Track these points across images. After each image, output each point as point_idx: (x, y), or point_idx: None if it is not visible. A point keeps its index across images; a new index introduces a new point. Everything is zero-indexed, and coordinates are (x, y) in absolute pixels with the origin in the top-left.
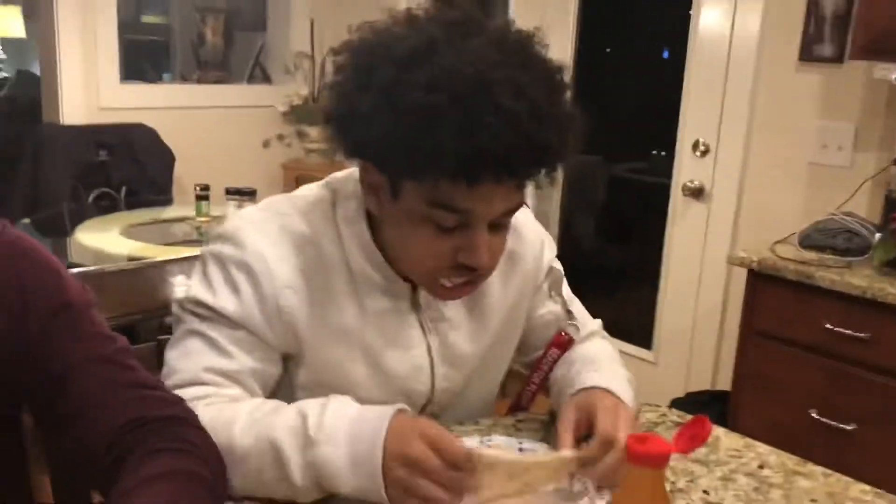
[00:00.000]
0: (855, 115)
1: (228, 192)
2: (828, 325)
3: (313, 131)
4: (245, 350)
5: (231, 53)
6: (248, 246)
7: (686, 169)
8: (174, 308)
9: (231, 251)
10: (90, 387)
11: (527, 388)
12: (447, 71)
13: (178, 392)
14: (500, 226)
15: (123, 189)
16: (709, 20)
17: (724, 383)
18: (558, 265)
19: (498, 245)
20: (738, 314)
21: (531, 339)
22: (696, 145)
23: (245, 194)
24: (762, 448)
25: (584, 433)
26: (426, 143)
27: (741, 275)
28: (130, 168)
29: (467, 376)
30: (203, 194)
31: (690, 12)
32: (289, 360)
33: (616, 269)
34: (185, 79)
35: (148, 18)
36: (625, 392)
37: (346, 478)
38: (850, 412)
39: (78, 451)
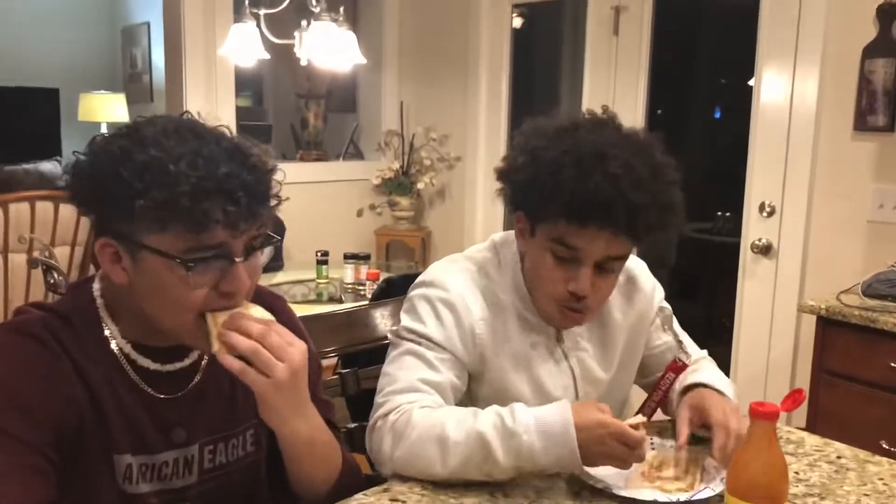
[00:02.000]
0: None
1: (347, 256)
2: (892, 364)
3: (403, 201)
4: (447, 367)
5: (325, 133)
6: (450, 289)
7: (754, 228)
8: (390, 336)
9: (437, 293)
10: None
11: (647, 404)
12: (578, 143)
13: (396, 396)
14: (605, 269)
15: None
16: (770, 91)
17: (799, 421)
18: (667, 305)
19: (603, 286)
20: (807, 359)
21: (649, 365)
22: (762, 206)
23: (361, 259)
24: (839, 445)
25: (699, 425)
26: (551, 186)
27: (810, 322)
28: None
29: (601, 394)
30: (323, 259)
31: (750, 83)
32: (471, 380)
33: (689, 323)
34: (285, 157)
35: (240, 102)
36: (726, 387)
37: (546, 451)
38: None
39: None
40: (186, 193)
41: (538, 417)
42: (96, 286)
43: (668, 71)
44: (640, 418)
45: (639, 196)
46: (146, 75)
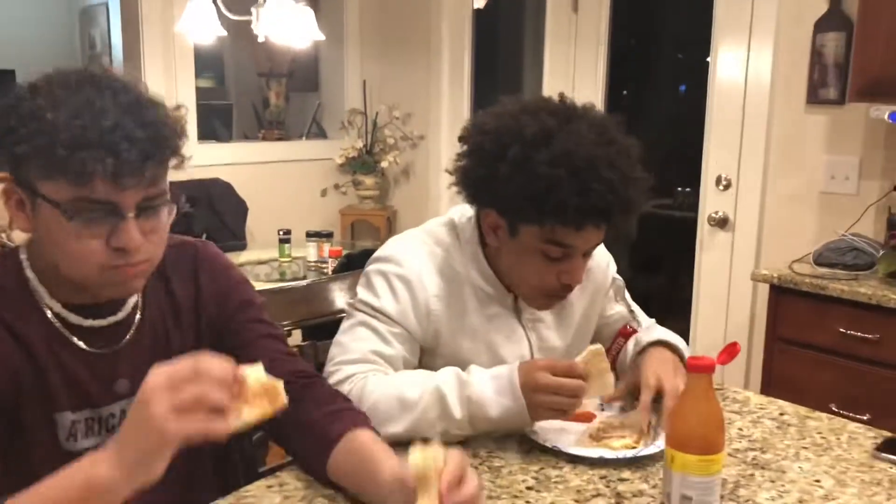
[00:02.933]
0: (858, 149)
1: (309, 234)
2: (841, 330)
3: (367, 180)
4: (399, 342)
5: (287, 112)
6: (405, 264)
7: (711, 202)
8: (346, 308)
9: (393, 268)
10: (263, 354)
11: None
12: (564, 153)
13: (347, 366)
14: (588, 255)
15: (204, 236)
16: (725, 67)
17: (755, 387)
18: (619, 277)
19: (585, 267)
20: (762, 328)
21: (603, 333)
22: (718, 180)
23: (323, 236)
24: (782, 402)
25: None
26: (551, 201)
27: (764, 291)
28: (211, 218)
29: None
30: (286, 238)
31: (708, 59)
32: (424, 353)
33: (649, 296)
34: (247, 137)
35: (201, 83)
36: (674, 340)
37: (493, 402)
38: (864, 404)
39: None
40: (63, 143)
41: (491, 371)
42: (22, 250)
43: (628, 48)
44: (596, 346)
45: (629, 193)
46: (105, 57)
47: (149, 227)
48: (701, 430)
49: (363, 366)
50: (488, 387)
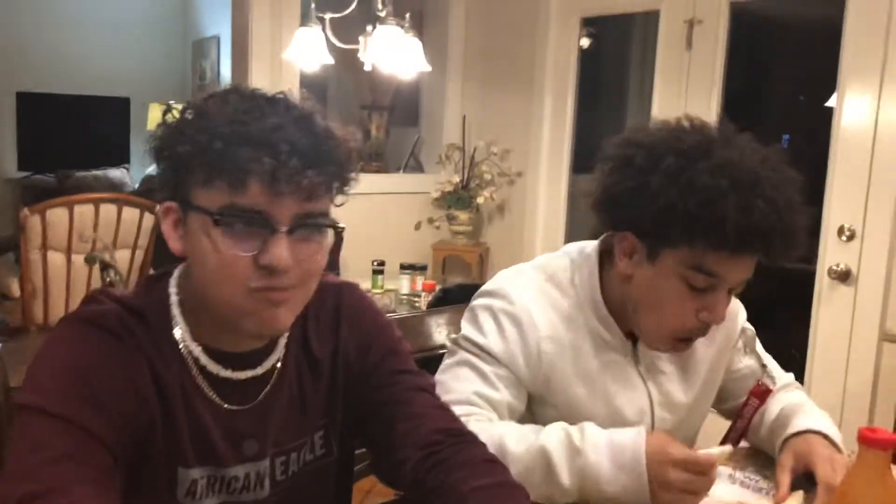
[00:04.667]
0: None
1: (403, 267)
2: None
3: (462, 215)
4: (505, 385)
5: (387, 145)
6: (515, 301)
7: (832, 253)
8: (448, 344)
9: (501, 304)
10: (410, 411)
11: (731, 432)
12: (728, 163)
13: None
14: (733, 291)
15: None
16: (852, 111)
17: None
18: (750, 326)
19: (727, 307)
20: (888, 390)
21: (729, 389)
22: (841, 230)
23: (417, 269)
24: None
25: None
26: (708, 216)
27: (892, 353)
28: None
29: (680, 420)
30: (379, 269)
31: (829, 104)
32: (532, 401)
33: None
34: None
35: None
36: (836, 435)
37: (611, 477)
38: None
39: (391, 456)
40: (222, 137)
41: (610, 438)
42: (172, 281)
43: (743, 88)
44: (728, 448)
45: (794, 219)
46: (214, 86)
47: (303, 253)
48: None
49: (465, 408)
50: (605, 458)
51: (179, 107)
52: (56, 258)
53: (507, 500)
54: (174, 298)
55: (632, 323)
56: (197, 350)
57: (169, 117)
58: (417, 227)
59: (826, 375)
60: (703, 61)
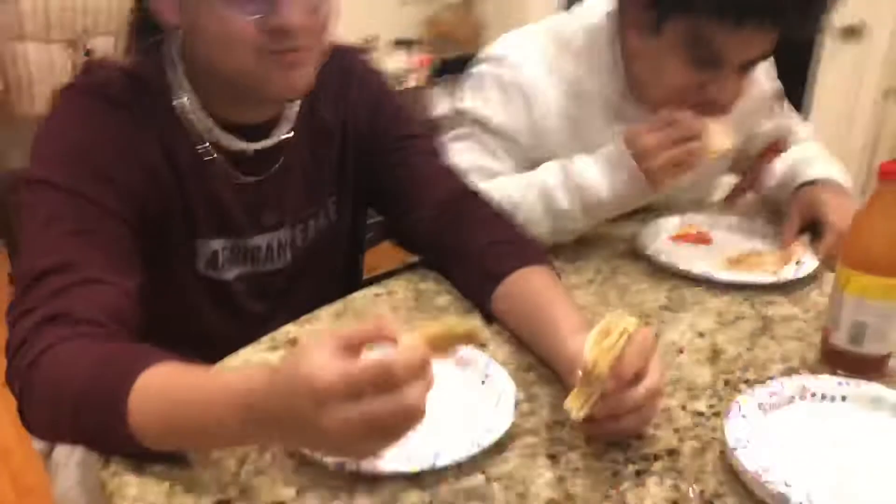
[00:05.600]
0: None
1: (398, 42)
2: None
3: None
4: (510, 156)
5: None
6: (524, 70)
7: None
8: (450, 113)
9: (508, 73)
10: (418, 173)
11: (741, 183)
12: None
13: None
14: (747, 69)
15: None
16: None
17: None
18: (778, 84)
19: (743, 87)
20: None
21: (749, 150)
22: None
23: (413, 43)
24: None
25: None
26: None
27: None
28: None
29: (692, 183)
30: (371, 46)
31: None
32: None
33: None
34: None
35: None
36: (847, 183)
37: (604, 180)
38: None
39: (405, 218)
40: None
41: (594, 155)
42: (174, 49)
43: None
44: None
45: None
46: None
47: (310, 5)
48: (888, 248)
49: (470, 177)
50: (594, 167)
51: None
52: (31, 48)
53: (523, 254)
54: (179, 67)
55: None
56: (208, 121)
57: None
58: (404, 1)
59: (829, 132)
60: None
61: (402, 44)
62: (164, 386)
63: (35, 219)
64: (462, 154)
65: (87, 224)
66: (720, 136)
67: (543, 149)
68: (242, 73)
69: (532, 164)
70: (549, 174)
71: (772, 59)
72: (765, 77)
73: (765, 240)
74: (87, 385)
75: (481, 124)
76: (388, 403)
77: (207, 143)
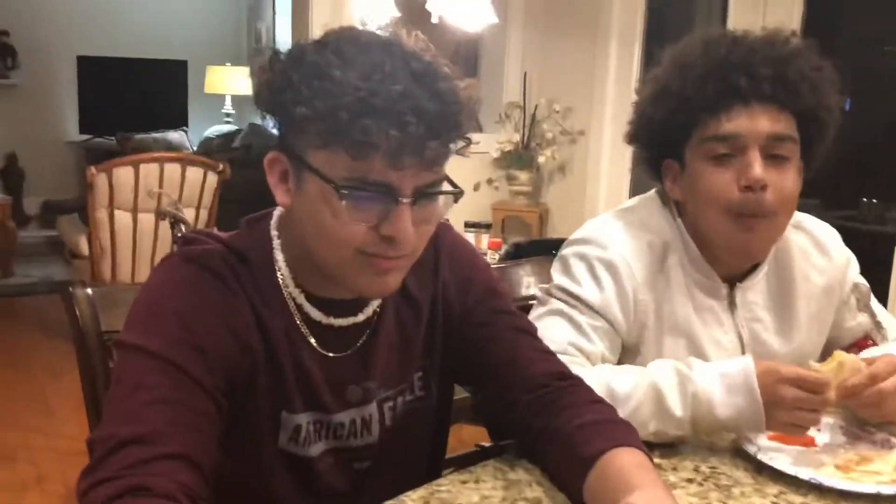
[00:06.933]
0: None
1: (468, 225)
2: None
3: (522, 175)
4: (600, 337)
5: None
6: (610, 248)
7: None
8: (538, 293)
9: (595, 251)
10: (512, 350)
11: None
12: (706, 39)
13: None
14: (777, 157)
15: None
16: None
17: None
18: (864, 282)
19: (781, 180)
20: None
21: (837, 347)
22: None
23: (482, 227)
24: None
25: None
26: (678, 82)
27: None
28: None
29: None
30: None
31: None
32: (623, 352)
33: None
34: None
35: None
36: None
37: (724, 401)
38: None
39: (498, 399)
40: (348, 107)
41: (717, 365)
42: (273, 224)
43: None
44: (843, 356)
45: (777, 51)
46: (269, 49)
47: (421, 218)
48: None
49: (562, 358)
50: (716, 383)
51: (285, 53)
52: (122, 217)
53: (614, 435)
54: (276, 242)
55: (706, 240)
56: (300, 296)
57: (276, 66)
58: (476, 187)
59: None
60: (778, 8)
61: (472, 226)
62: None
63: (122, 384)
64: (553, 331)
65: (175, 395)
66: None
67: (636, 325)
68: (336, 265)
69: (624, 344)
70: (661, 375)
71: (855, 259)
72: (845, 268)
73: (874, 446)
74: None
75: (573, 301)
76: None
77: (298, 317)
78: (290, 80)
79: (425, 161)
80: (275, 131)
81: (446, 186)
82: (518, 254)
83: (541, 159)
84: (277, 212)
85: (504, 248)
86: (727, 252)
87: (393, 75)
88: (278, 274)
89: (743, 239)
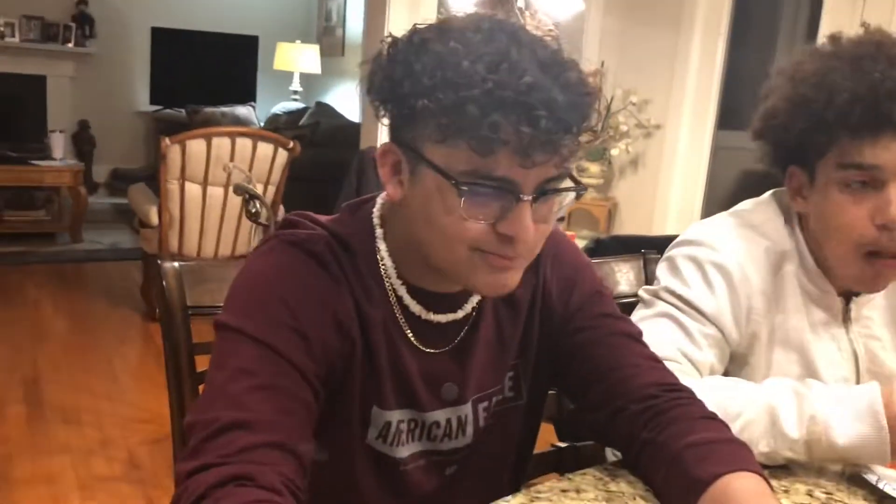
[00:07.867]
0: None
1: None
2: None
3: (592, 167)
4: (710, 345)
5: None
6: (722, 250)
7: None
8: (644, 295)
9: (707, 254)
10: (618, 356)
11: None
12: (837, 50)
13: None
14: None
15: None
16: None
17: None
18: None
19: None
20: None
21: None
22: None
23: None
24: None
25: None
26: (823, 100)
27: None
28: None
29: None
30: None
31: None
32: (730, 362)
33: None
34: None
35: None
36: None
37: (846, 427)
38: None
39: (601, 407)
40: (475, 99)
41: (833, 389)
42: (376, 211)
43: None
44: None
45: None
46: (339, 29)
47: (541, 215)
48: None
49: (669, 365)
50: (838, 408)
51: (404, 39)
52: (193, 189)
53: (727, 456)
54: (378, 231)
55: (827, 265)
56: (401, 289)
57: (391, 52)
58: None
59: None
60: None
61: None
62: None
63: (223, 367)
64: (661, 335)
65: (279, 381)
66: None
67: (747, 335)
68: (450, 263)
69: (733, 354)
70: (778, 394)
71: None
72: None
73: None
74: None
75: (683, 305)
76: None
77: (397, 310)
78: (410, 69)
79: (557, 157)
80: (385, 121)
81: (568, 183)
82: (598, 250)
83: (613, 152)
84: (381, 199)
85: (582, 242)
86: (848, 283)
87: (519, 65)
88: (380, 265)
89: (869, 276)
